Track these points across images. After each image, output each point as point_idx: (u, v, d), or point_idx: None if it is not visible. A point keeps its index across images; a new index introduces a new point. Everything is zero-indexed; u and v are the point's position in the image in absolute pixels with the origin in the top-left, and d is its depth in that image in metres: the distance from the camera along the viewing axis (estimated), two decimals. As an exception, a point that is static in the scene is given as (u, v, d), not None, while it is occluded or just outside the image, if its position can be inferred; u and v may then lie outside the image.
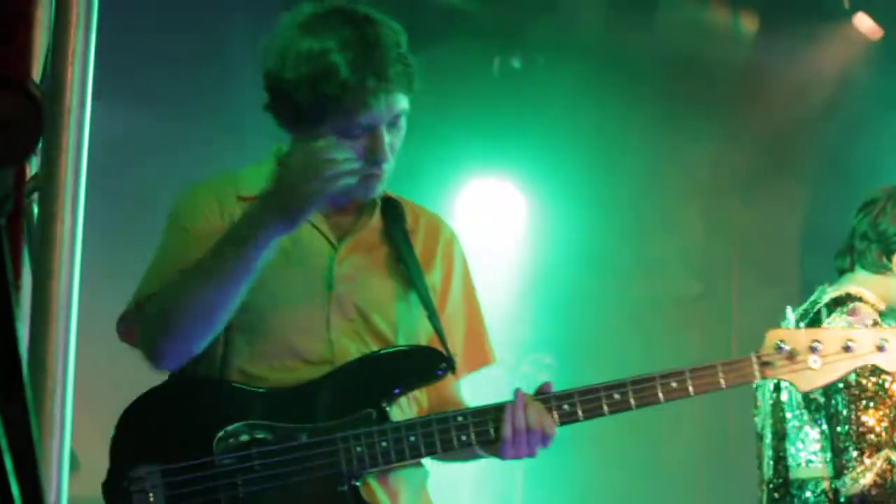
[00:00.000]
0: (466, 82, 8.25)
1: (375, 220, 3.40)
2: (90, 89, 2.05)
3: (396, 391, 3.28)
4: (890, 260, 4.59)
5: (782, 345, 3.37)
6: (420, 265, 3.41)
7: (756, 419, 4.70)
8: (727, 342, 6.14)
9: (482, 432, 3.27)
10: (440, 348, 3.34)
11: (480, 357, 3.61)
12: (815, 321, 4.52)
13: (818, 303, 4.59)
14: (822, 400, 4.44)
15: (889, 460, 4.31)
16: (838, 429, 4.35)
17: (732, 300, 7.99)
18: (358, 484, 3.20)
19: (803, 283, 4.84)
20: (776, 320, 4.83)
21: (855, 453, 4.33)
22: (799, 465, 4.50)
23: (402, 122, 3.31)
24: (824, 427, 4.45)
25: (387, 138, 3.23)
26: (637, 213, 8.29)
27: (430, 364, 3.31)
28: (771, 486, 4.57)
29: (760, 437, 4.68)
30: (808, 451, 4.47)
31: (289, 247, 3.27)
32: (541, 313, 8.60)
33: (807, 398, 4.47)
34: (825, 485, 4.44)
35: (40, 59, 2.07)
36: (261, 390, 3.22)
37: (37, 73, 2.05)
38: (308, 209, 3.11)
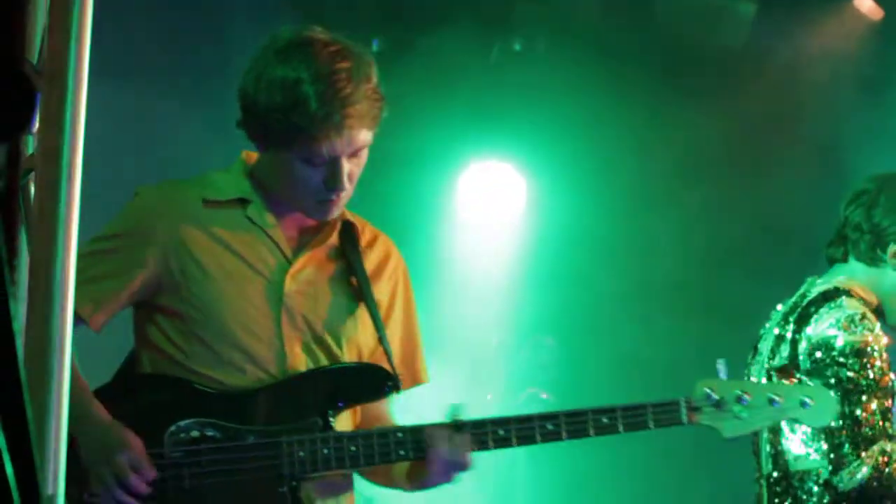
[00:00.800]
0: (467, 66, 8.24)
1: (333, 238, 3.58)
2: (87, 68, 2.04)
3: (341, 404, 3.49)
4: (884, 252, 4.58)
5: (711, 393, 3.57)
6: (370, 284, 3.59)
7: None
8: (725, 325, 6.13)
9: (419, 449, 3.45)
10: (386, 366, 3.55)
11: (413, 376, 3.75)
12: (804, 316, 4.50)
13: (808, 296, 4.57)
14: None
15: (884, 451, 4.30)
16: (833, 424, 4.35)
17: (732, 284, 7.98)
18: (296, 486, 3.38)
19: (803, 268, 4.82)
20: (775, 301, 4.83)
21: (850, 448, 4.32)
22: (798, 457, 4.49)
23: (364, 153, 3.47)
24: None
25: (346, 167, 3.41)
26: (636, 195, 8.29)
27: (376, 381, 3.53)
28: (771, 479, 4.57)
29: (756, 432, 4.66)
30: (805, 444, 4.47)
31: (247, 255, 3.48)
32: (540, 295, 8.60)
33: None
34: (823, 477, 4.44)
35: (37, 38, 2.06)
36: (213, 391, 3.40)
37: (33, 53, 2.04)
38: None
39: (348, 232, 3.61)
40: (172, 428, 3.35)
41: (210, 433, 3.36)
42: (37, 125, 2.02)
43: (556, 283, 8.49)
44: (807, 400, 3.69)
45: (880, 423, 4.33)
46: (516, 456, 8.34)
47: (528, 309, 8.74)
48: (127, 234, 3.48)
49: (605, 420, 3.52)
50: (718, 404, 3.58)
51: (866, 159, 6.62)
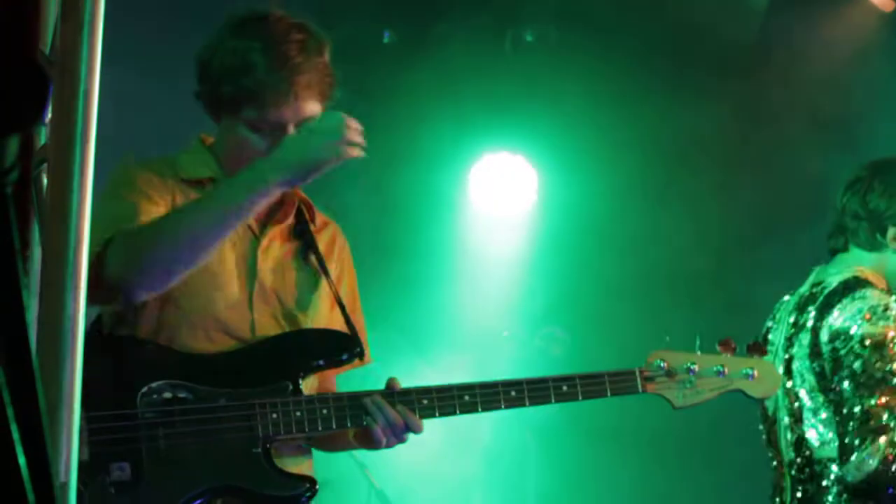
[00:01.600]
0: (478, 57, 8.25)
1: (291, 217, 3.67)
2: (99, 59, 2.04)
3: (308, 369, 3.55)
4: (884, 236, 4.59)
5: (662, 364, 3.78)
6: (327, 263, 3.69)
7: (766, 403, 4.68)
8: (735, 315, 6.11)
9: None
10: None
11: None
12: (826, 306, 4.50)
13: (826, 286, 4.56)
14: (826, 371, 4.44)
15: (892, 444, 4.30)
16: (844, 414, 4.35)
17: (741, 274, 7.96)
18: (269, 447, 3.43)
19: (811, 258, 4.82)
20: (785, 292, 4.83)
21: (858, 440, 4.32)
22: (822, 444, 4.49)
23: None
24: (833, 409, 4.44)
25: None
26: (647, 186, 8.28)
27: (343, 348, 3.60)
28: (794, 467, 4.56)
29: (774, 421, 4.66)
30: (828, 431, 4.47)
31: None
32: (551, 286, 8.60)
33: (819, 380, 4.47)
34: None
35: (49, 29, 2.07)
36: (183, 353, 3.44)
37: (46, 44, 2.05)
38: (323, 169, 3.40)
39: (302, 213, 3.71)
40: (144, 389, 3.37)
41: (182, 394, 3.39)
42: (49, 115, 2.02)
43: (566, 274, 8.49)
44: (751, 372, 3.86)
45: (891, 416, 4.33)
46: (527, 452, 8.35)
47: (538, 300, 8.74)
48: (131, 190, 3.50)
49: (565, 388, 3.66)
50: (670, 374, 3.78)
51: (879, 149, 6.61)
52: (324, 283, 3.67)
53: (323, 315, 3.67)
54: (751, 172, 8.18)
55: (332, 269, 3.73)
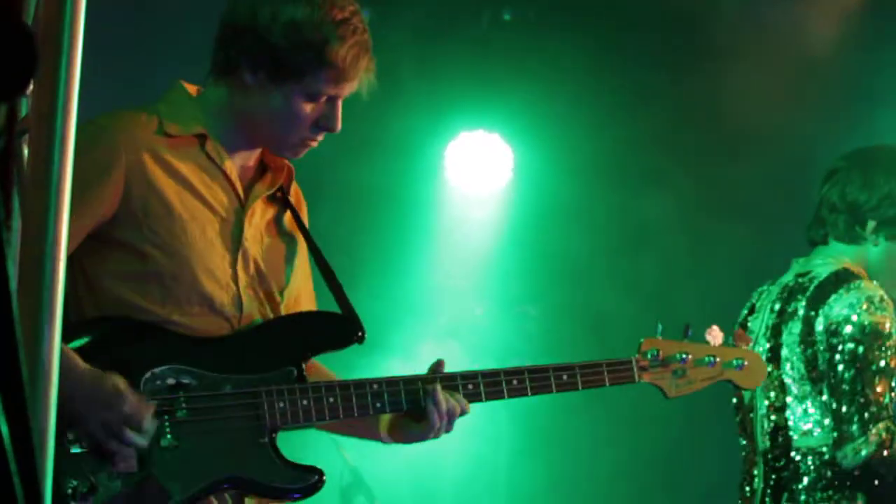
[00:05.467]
0: (456, 36, 8.24)
1: (276, 185, 3.58)
2: (82, 30, 2.03)
3: (311, 353, 3.49)
4: (863, 229, 4.57)
5: (656, 352, 3.77)
6: (310, 234, 3.63)
7: (743, 392, 4.68)
8: (715, 300, 6.14)
9: (395, 402, 3.49)
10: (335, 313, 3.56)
11: None
12: (819, 296, 4.50)
13: (816, 277, 4.56)
14: (823, 369, 4.45)
15: (889, 430, 4.32)
16: (842, 400, 4.37)
17: (721, 258, 7.98)
18: (275, 437, 3.36)
19: (797, 244, 4.83)
20: (764, 278, 4.84)
21: (857, 425, 4.34)
22: (802, 434, 4.50)
23: None
24: (825, 398, 4.45)
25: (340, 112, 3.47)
26: (623, 166, 8.29)
27: (346, 330, 3.52)
28: (770, 456, 4.57)
29: (751, 409, 4.67)
30: (812, 420, 4.48)
31: (206, 195, 3.43)
32: (525, 264, 8.62)
33: (808, 368, 4.48)
34: (827, 454, 4.46)
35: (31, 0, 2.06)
36: (185, 336, 3.34)
37: (28, 14, 2.04)
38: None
39: (288, 179, 3.66)
40: (147, 375, 3.28)
41: (186, 380, 3.31)
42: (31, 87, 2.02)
43: (541, 251, 8.51)
44: (742, 362, 3.87)
45: (888, 401, 4.35)
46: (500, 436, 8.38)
47: (512, 278, 8.75)
48: (92, 164, 3.29)
49: (565, 377, 3.63)
50: (664, 363, 3.77)
51: (869, 129, 6.63)
52: (300, 252, 3.61)
53: (296, 291, 3.60)
54: (729, 153, 8.18)
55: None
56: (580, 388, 3.65)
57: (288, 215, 3.62)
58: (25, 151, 2.04)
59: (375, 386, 3.46)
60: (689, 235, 8.20)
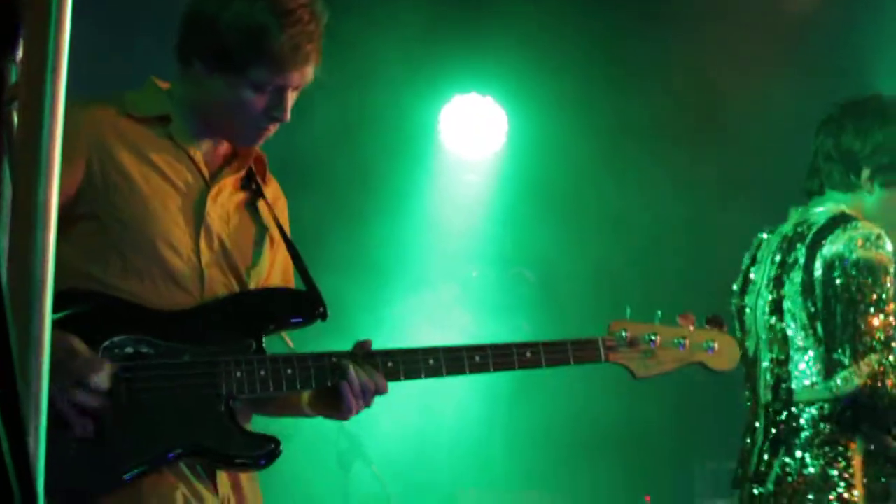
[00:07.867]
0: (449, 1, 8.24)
1: (244, 170, 3.63)
2: (70, -3, 2.01)
3: (272, 327, 3.51)
4: (858, 177, 4.58)
5: (624, 333, 3.77)
6: (278, 219, 3.67)
7: (746, 343, 4.68)
8: (708, 264, 6.14)
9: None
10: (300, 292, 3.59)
11: None
12: (816, 242, 4.49)
13: (814, 224, 4.55)
14: (820, 307, 4.44)
15: (880, 363, 4.32)
16: (835, 331, 4.36)
17: (716, 223, 7.97)
18: (234, 406, 3.38)
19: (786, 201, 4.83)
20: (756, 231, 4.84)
21: (849, 355, 4.34)
22: (804, 386, 4.50)
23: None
24: (820, 334, 4.45)
25: (291, 100, 3.52)
26: (616, 127, 8.29)
27: (307, 307, 3.55)
28: (771, 409, 4.57)
29: (754, 362, 4.67)
30: (813, 373, 4.48)
31: (168, 172, 3.50)
32: (519, 227, 8.63)
33: (811, 319, 4.47)
34: (827, 409, 4.46)
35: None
36: (146, 308, 3.37)
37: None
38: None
39: (257, 164, 3.70)
40: (106, 343, 3.31)
41: (144, 350, 3.34)
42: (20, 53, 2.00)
43: (534, 215, 8.52)
44: (712, 345, 3.88)
45: (882, 336, 4.35)
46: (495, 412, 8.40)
47: (507, 241, 8.77)
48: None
49: (528, 354, 3.65)
50: (632, 344, 3.78)
51: (854, 86, 6.61)
52: (268, 236, 3.65)
53: (261, 272, 3.63)
54: (722, 118, 8.18)
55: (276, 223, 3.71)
56: (544, 365, 3.66)
57: (262, 204, 3.67)
58: (16, 118, 2.03)
59: (334, 359, 3.47)
60: (685, 202, 8.20)
